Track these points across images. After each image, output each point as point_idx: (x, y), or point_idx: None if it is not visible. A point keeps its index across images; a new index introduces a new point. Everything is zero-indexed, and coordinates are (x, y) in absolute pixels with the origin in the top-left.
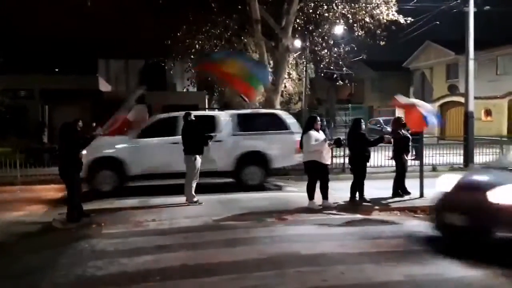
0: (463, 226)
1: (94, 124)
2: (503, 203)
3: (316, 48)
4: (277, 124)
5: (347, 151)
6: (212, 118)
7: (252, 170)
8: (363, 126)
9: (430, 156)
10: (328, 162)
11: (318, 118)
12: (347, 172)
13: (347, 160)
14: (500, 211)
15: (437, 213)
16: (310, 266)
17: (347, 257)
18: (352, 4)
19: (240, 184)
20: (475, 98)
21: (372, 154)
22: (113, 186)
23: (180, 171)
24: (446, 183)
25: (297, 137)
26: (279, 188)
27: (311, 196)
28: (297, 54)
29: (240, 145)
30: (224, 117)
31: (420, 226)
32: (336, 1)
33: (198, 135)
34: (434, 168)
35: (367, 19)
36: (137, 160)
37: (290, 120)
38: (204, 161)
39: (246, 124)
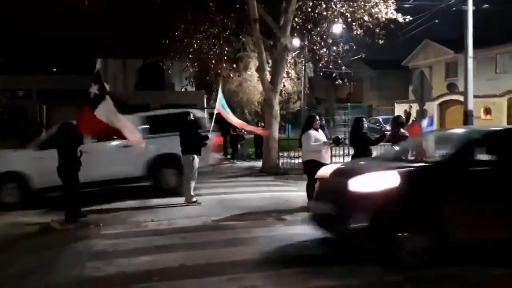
0: (330, 215)
1: None
2: (359, 191)
3: (315, 47)
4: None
5: (346, 150)
6: None
7: (166, 173)
8: (365, 125)
9: None
10: (328, 161)
11: (317, 117)
12: None
13: (346, 159)
14: (355, 200)
15: (312, 202)
16: (311, 266)
17: (349, 257)
18: (351, 3)
19: (156, 188)
20: (475, 96)
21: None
22: (19, 199)
23: (86, 181)
24: (325, 173)
25: (214, 136)
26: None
27: (310, 195)
28: (295, 53)
29: (151, 148)
30: (132, 121)
31: None
32: (335, 0)
33: (196, 135)
34: None
35: (366, 18)
36: (40, 173)
37: (204, 118)
38: (110, 168)
39: (157, 126)
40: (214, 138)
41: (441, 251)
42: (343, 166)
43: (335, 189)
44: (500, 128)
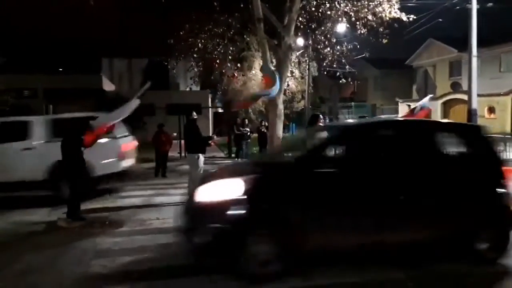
0: (186, 229)
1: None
2: (203, 201)
3: (319, 46)
4: None
5: None
6: (23, 124)
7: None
8: None
9: None
10: None
11: (321, 116)
12: None
13: None
14: (200, 211)
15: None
16: (315, 266)
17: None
18: (355, 2)
19: (57, 194)
20: (478, 95)
21: None
22: None
23: None
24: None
25: (122, 142)
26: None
27: None
28: (299, 52)
29: (55, 153)
30: (37, 123)
31: None
32: None
33: (200, 135)
34: None
35: (370, 17)
36: None
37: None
38: (9, 171)
39: (63, 129)
40: (122, 145)
41: (296, 260)
42: (210, 171)
43: (190, 200)
44: (352, 124)
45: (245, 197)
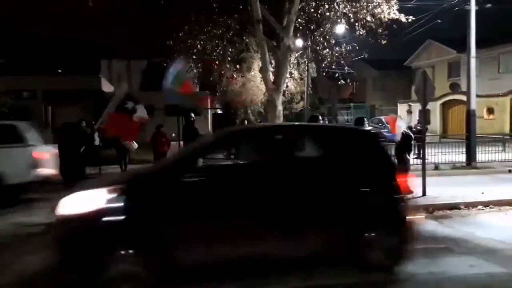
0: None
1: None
2: (63, 214)
3: (318, 48)
4: (11, 137)
5: None
6: None
7: None
8: (366, 125)
9: (433, 155)
10: None
11: (320, 117)
12: None
13: None
14: (57, 225)
15: None
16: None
17: None
18: (353, 3)
19: None
20: (477, 96)
21: None
22: None
23: None
24: None
25: (34, 150)
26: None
27: None
28: (298, 53)
29: None
30: None
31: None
32: (337, 0)
33: (199, 135)
34: (436, 167)
35: (368, 18)
36: None
37: (29, 132)
38: None
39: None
40: (34, 153)
41: (167, 276)
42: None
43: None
44: (224, 131)
45: (107, 208)
